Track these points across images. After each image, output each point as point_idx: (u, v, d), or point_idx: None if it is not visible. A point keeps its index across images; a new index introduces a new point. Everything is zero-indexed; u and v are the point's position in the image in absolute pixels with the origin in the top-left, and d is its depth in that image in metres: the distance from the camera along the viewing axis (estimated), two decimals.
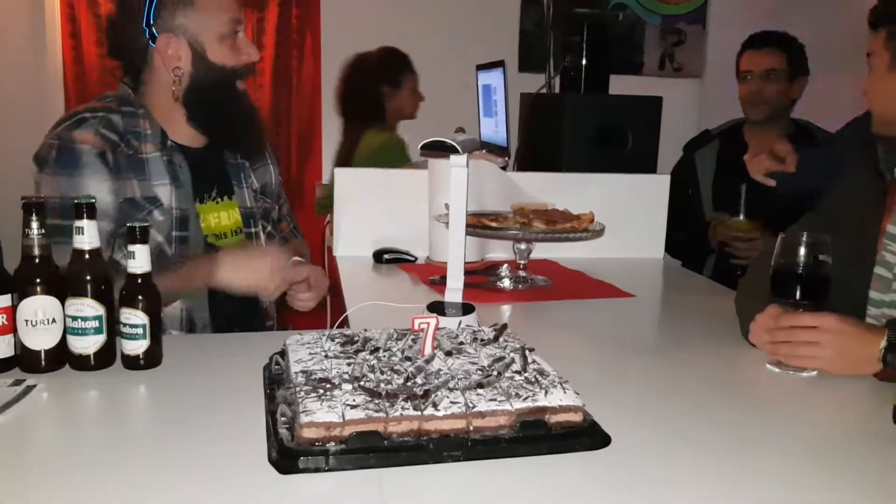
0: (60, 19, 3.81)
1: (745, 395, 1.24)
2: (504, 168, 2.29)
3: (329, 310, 1.98)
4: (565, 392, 0.99)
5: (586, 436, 0.97)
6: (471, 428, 0.95)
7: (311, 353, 1.12)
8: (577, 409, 0.98)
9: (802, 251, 1.28)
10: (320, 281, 1.71)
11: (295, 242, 1.92)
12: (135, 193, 1.56)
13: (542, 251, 2.09)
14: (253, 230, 1.76)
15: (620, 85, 2.74)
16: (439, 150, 1.25)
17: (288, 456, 0.90)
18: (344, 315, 1.61)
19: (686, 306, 1.85)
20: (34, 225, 1.18)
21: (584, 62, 2.51)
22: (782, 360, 1.29)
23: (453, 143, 1.24)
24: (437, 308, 1.44)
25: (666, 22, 4.22)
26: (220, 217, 1.71)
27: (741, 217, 2.41)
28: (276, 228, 1.86)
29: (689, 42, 4.23)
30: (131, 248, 1.20)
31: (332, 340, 1.18)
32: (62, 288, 1.20)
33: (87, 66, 3.89)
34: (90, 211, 1.19)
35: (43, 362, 1.20)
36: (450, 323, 1.32)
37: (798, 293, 1.29)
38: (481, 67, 2.78)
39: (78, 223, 1.19)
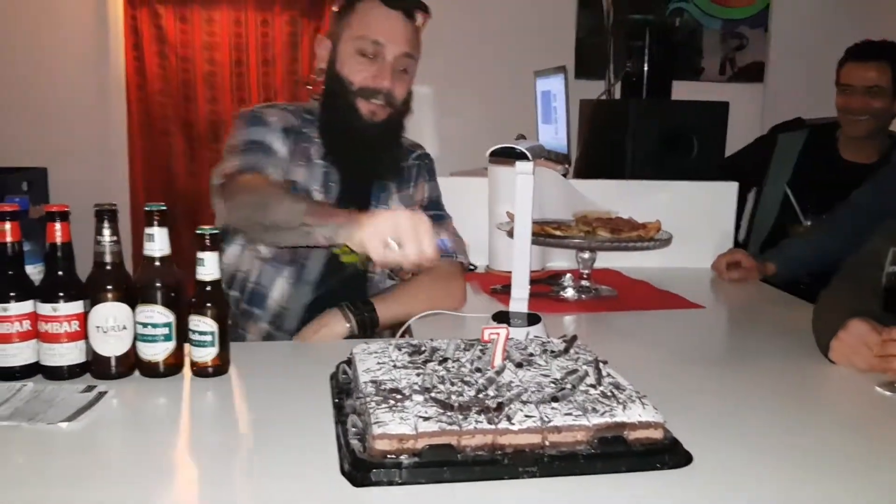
0: (124, 30, 3.89)
1: (831, 412, 1.19)
2: (564, 175, 2.26)
3: None
4: (644, 407, 0.95)
5: (667, 453, 0.93)
6: (546, 443, 0.92)
7: (378, 363, 1.11)
8: (657, 425, 0.94)
9: None
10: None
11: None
12: (298, 178, 1.62)
13: (604, 260, 2.05)
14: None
15: (680, 90, 2.68)
16: (508, 156, 1.22)
17: (361, 468, 0.89)
18: (407, 324, 1.60)
19: (758, 318, 1.79)
20: (106, 232, 1.19)
21: (646, 67, 2.46)
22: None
23: (523, 150, 1.21)
24: (502, 318, 1.41)
25: (726, 26, 4.13)
26: None
27: (808, 223, 2.35)
28: None
29: (751, 46, 4.14)
30: (200, 255, 1.20)
31: (399, 350, 1.17)
32: (133, 295, 1.20)
33: (149, 76, 3.97)
34: (161, 218, 1.19)
35: (113, 369, 1.20)
36: (516, 333, 1.30)
37: None
38: (540, 74, 2.76)
39: (148, 230, 1.20)
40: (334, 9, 1.70)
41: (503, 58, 3.91)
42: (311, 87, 1.73)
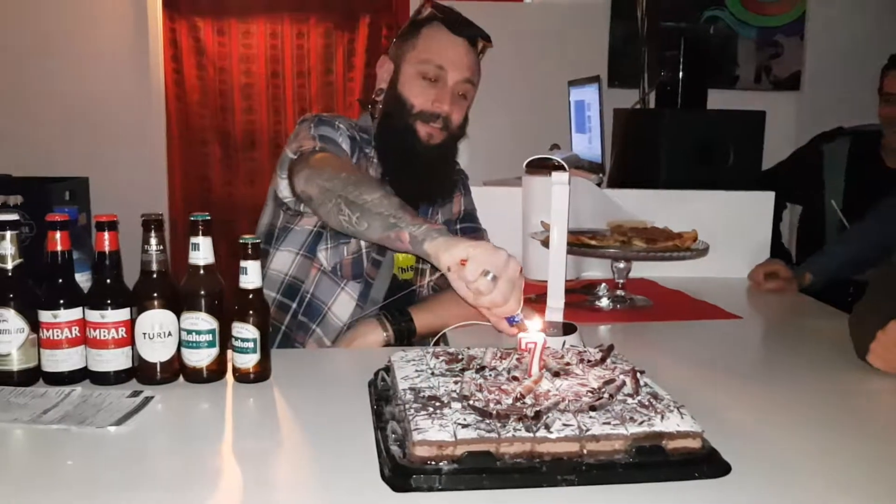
0: (163, 43, 3.97)
1: (871, 423, 1.18)
2: (598, 184, 2.26)
3: None
4: (682, 417, 0.96)
5: (706, 463, 0.94)
6: (584, 452, 0.93)
7: (417, 371, 1.13)
8: (695, 435, 0.95)
9: None
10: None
11: None
12: None
13: (638, 270, 2.05)
14: (420, 266, 1.76)
15: (715, 99, 2.68)
16: (545, 167, 1.24)
17: (401, 474, 0.90)
18: (442, 332, 1.62)
19: (796, 328, 1.78)
20: (153, 241, 1.22)
21: (681, 77, 2.46)
22: None
23: (560, 161, 1.22)
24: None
25: (762, 34, 4.10)
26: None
27: None
28: None
29: (787, 54, 4.10)
30: (243, 263, 1.23)
31: (437, 358, 1.18)
32: (178, 302, 1.23)
33: (188, 87, 4.04)
34: (206, 227, 1.22)
35: (158, 374, 1.23)
36: (553, 343, 1.30)
37: None
38: (573, 83, 2.77)
39: (193, 239, 1.23)
40: (400, 31, 1.73)
41: (537, 68, 3.92)
42: (371, 107, 1.74)
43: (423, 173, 1.66)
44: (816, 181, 2.55)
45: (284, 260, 1.66)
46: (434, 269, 1.73)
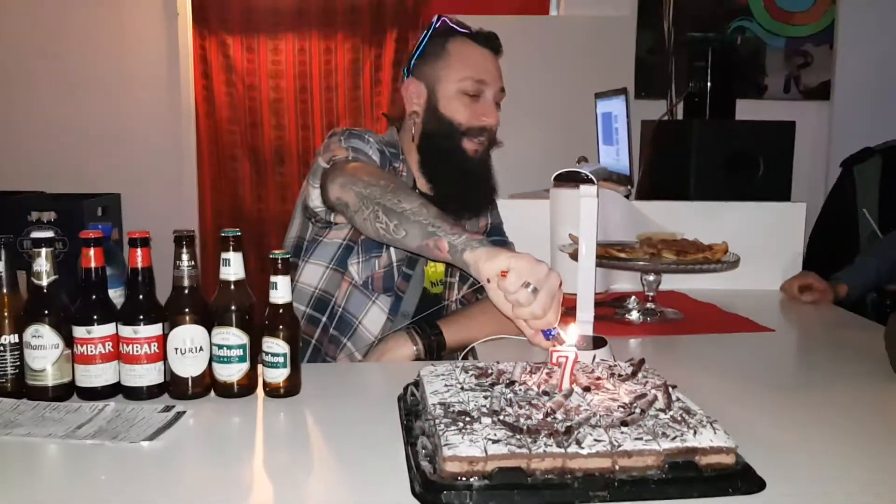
0: (193, 60, 4.03)
1: None
2: (626, 196, 2.25)
3: None
4: (716, 432, 0.95)
5: (740, 479, 0.92)
6: (616, 467, 0.92)
7: (446, 385, 1.12)
8: (729, 450, 0.93)
9: None
10: None
11: None
12: None
13: (669, 282, 2.04)
14: (449, 280, 1.77)
15: (743, 109, 2.66)
16: (573, 180, 1.23)
17: (432, 489, 0.90)
18: (471, 346, 1.61)
19: (831, 341, 1.76)
20: (185, 257, 1.23)
21: (709, 87, 2.45)
22: None
23: (588, 174, 1.22)
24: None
25: (790, 44, 4.07)
26: (436, 266, 1.73)
27: None
28: None
29: (816, 64, 4.06)
30: (274, 279, 1.24)
31: (466, 372, 1.18)
32: (209, 317, 1.24)
33: (217, 104, 4.09)
34: (236, 243, 1.24)
35: (190, 389, 1.24)
36: (583, 357, 1.30)
37: None
38: (600, 95, 2.76)
39: (224, 255, 1.24)
40: (415, 49, 1.73)
41: (564, 80, 3.92)
42: (400, 129, 1.76)
43: (472, 187, 1.69)
44: (852, 199, 2.53)
45: (314, 273, 1.66)
46: (463, 282, 1.73)
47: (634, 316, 1.82)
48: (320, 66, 4.12)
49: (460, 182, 1.67)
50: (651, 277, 1.84)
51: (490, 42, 1.68)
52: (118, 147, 4.01)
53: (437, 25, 1.70)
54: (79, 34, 3.96)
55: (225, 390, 1.25)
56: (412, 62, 1.71)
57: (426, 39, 1.71)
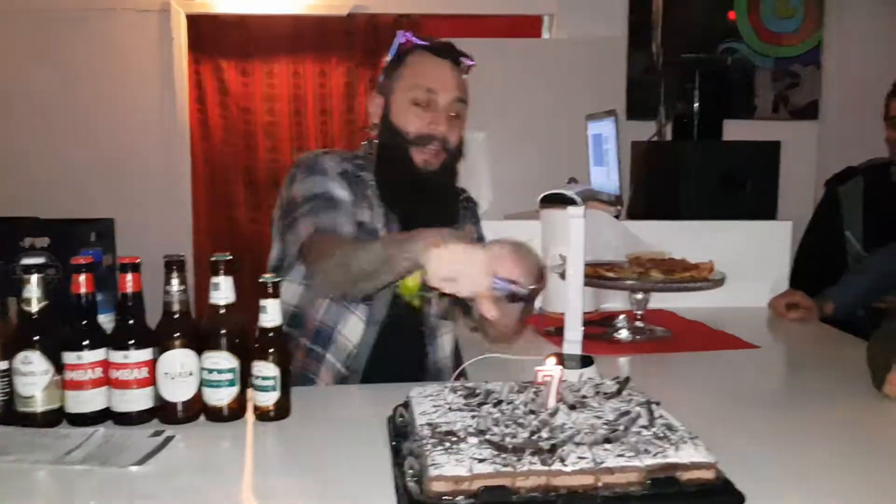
0: (188, 84, 4.06)
1: (890, 453, 1.17)
2: (616, 216, 2.27)
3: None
4: (696, 448, 0.96)
5: (720, 494, 0.94)
6: (599, 484, 0.93)
7: (434, 406, 1.13)
8: (709, 466, 0.95)
9: None
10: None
11: None
12: (365, 219, 1.65)
13: (658, 301, 2.05)
14: (426, 294, 1.75)
15: (733, 129, 2.69)
16: (558, 202, 1.25)
17: None
18: (462, 367, 1.63)
19: (815, 358, 1.78)
20: (175, 281, 1.25)
21: (696, 109, 2.48)
22: None
23: (573, 196, 1.24)
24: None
25: (778, 65, 4.12)
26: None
27: None
28: None
29: (804, 84, 4.11)
30: (263, 302, 1.25)
31: (455, 392, 1.19)
32: (199, 342, 1.26)
33: (212, 127, 4.13)
34: (226, 267, 1.25)
35: (180, 413, 1.25)
36: (570, 375, 1.31)
37: None
38: (591, 117, 2.79)
39: (214, 279, 1.25)
40: (384, 64, 1.75)
41: (557, 101, 3.95)
42: (365, 143, 1.77)
43: (426, 200, 1.67)
44: (837, 221, 2.55)
45: (289, 291, 1.67)
46: (440, 297, 1.73)
47: (624, 334, 1.83)
48: (315, 89, 4.16)
49: (412, 194, 1.66)
50: (639, 296, 1.86)
51: (447, 53, 1.68)
52: (113, 172, 4.03)
53: (401, 42, 1.72)
54: (74, 59, 3.99)
55: (215, 414, 1.26)
56: (381, 76, 1.74)
57: (392, 55, 1.73)
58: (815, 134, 4.05)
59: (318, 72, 4.15)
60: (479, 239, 1.85)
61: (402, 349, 1.68)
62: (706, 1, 4.03)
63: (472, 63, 1.72)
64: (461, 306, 1.72)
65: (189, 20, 4.03)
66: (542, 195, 1.30)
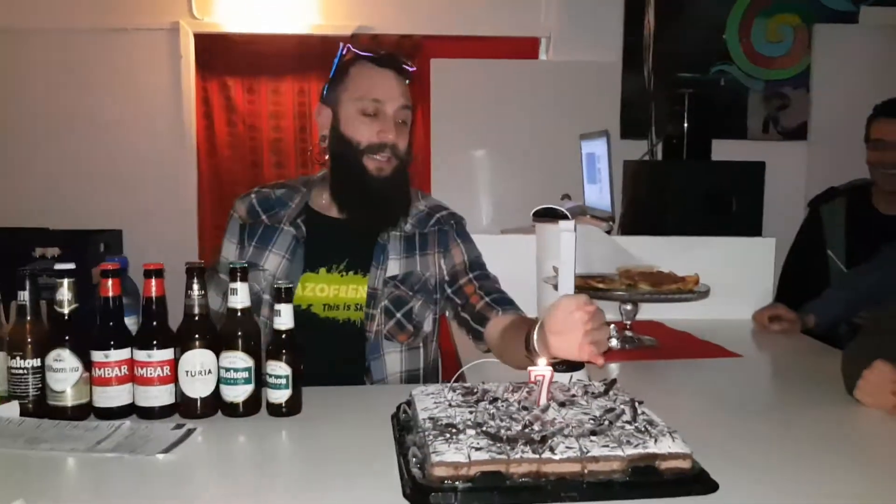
0: (196, 101, 4.17)
1: (859, 450, 1.27)
2: (608, 232, 2.37)
3: (441, 368, 2.07)
4: (674, 440, 1.06)
5: (695, 482, 1.04)
6: (585, 471, 1.03)
7: (435, 402, 1.23)
8: (685, 456, 1.05)
9: None
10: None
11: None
12: (251, 258, 1.78)
13: (647, 312, 2.15)
14: (371, 311, 1.74)
15: (724, 149, 2.79)
16: (550, 216, 1.36)
17: (421, 492, 1.01)
18: (460, 371, 1.72)
19: (794, 366, 1.88)
20: (195, 286, 1.35)
21: (685, 130, 2.59)
22: None
23: (564, 210, 1.35)
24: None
25: (769, 87, 4.24)
26: (341, 290, 1.75)
27: None
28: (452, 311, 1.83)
29: (794, 106, 4.23)
30: (278, 306, 1.35)
31: (454, 391, 1.29)
32: (217, 342, 1.36)
33: (219, 143, 4.23)
34: (243, 274, 1.35)
35: (199, 409, 1.35)
36: (561, 378, 1.41)
37: None
38: (585, 136, 2.90)
39: (232, 285, 1.35)
40: (329, 77, 1.79)
41: (552, 121, 4.06)
42: (312, 151, 1.85)
43: (379, 205, 1.75)
44: (820, 240, 2.65)
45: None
46: (389, 317, 1.75)
47: (613, 343, 1.93)
48: None
49: (366, 200, 1.73)
50: (628, 307, 1.96)
51: (391, 62, 1.73)
52: (122, 184, 4.13)
53: (343, 53, 1.78)
54: (87, 76, 4.10)
55: (231, 410, 1.36)
56: (325, 89, 1.79)
57: (335, 67, 1.78)
58: (804, 154, 4.17)
59: (322, 90, 4.25)
60: (476, 259, 1.84)
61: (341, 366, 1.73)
62: (699, 25, 4.15)
63: (413, 69, 1.78)
64: (472, 332, 1.78)
65: (197, 39, 4.13)
66: (534, 209, 1.40)
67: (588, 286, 1.88)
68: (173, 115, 4.14)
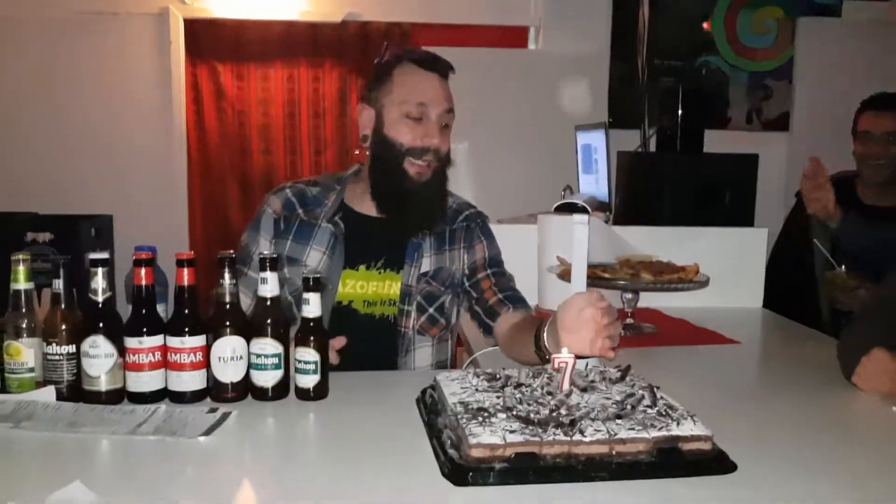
0: (185, 87, 4.17)
1: (854, 432, 1.36)
2: (606, 222, 2.44)
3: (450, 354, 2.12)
4: (695, 423, 1.13)
5: (715, 462, 1.11)
6: (613, 452, 1.10)
7: (462, 388, 1.29)
8: (706, 438, 1.12)
9: None
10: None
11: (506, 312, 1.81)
12: (290, 253, 1.78)
13: (645, 300, 2.22)
14: (405, 308, 1.79)
15: (708, 139, 2.85)
16: (571, 210, 1.41)
17: (461, 472, 1.07)
18: (473, 357, 1.79)
19: (791, 352, 1.96)
20: (226, 276, 1.39)
21: (679, 123, 2.65)
22: None
23: (584, 205, 1.41)
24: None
25: (752, 78, 4.34)
26: (379, 286, 1.79)
27: (842, 268, 2.50)
28: (470, 307, 1.87)
29: (776, 97, 4.34)
30: (306, 295, 1.40)
31: (478, 377, 1.35)
32: (248, 329, 1.40)
33: (208, 129, 4.24)
34: (273, 264, 1.40)
35: (230, 393, 1.40)
36: (578, 363, 1.47)
37: None
38: (580, 128, 2.97)
39: (262, 274, 1.40)
40: (371, 79, 1.81)
41: (542, 110, 4.12)
42: (357, 153, 1.85)
43: (419, 209, 1.77)
44: (807, 229, 2.73)
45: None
46: (421, 313, 1.80)
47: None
48: (308, 93, 4.29)
49: (405, 203, 1.76)
50: (630, 295, 2.03)
51: (434, 65, 1.75)
52: (112, 170, 4.13)
53: (384, 52, 1.80)
54: (77, 61, 4.09)
55: (261, 394, 1.41)
56: (365, 90, 1.82)
57: (377, 67, 1.80)
58: (785, 145, 4.27)
59: (311, 76, 4.28)
60: (495, 255, 1.91)
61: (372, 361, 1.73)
62: (685, 17, 4.23)
63: (453, 72, 1.81)
64: (483, 325, 1.83)
65: (186, 25, 4.14)
66: (556, 204, 1.46)
67: (594, 275, 1.94)
68: (163, 100, 4.14)
